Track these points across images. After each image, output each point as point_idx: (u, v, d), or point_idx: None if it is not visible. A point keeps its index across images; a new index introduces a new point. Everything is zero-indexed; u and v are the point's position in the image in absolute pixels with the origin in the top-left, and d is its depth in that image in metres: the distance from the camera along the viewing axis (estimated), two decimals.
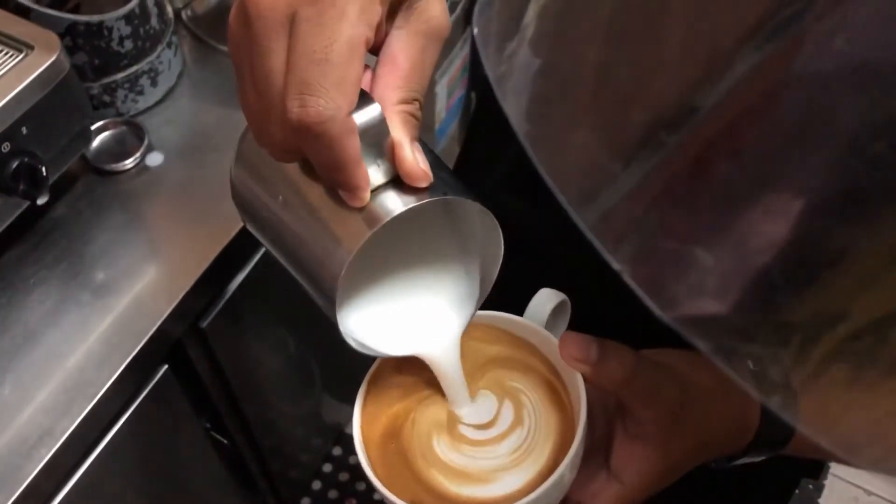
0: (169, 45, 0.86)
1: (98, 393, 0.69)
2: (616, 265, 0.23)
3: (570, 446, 0.45)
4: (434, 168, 0.38)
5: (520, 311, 0.51)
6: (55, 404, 0.68)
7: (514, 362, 0.50)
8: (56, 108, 0.70)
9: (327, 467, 1.52)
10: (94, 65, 0.80)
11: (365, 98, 0.35)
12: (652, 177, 0.23)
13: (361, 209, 0.37)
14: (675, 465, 0.47)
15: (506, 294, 0.50)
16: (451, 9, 1.33)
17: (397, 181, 0.38)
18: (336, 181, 0.36)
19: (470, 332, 0.50)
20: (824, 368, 0.22)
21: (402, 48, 0.36)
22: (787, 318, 0.22)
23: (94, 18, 0.77)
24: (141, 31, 0.81)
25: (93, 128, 0.82)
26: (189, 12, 0.97)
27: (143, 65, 0.83)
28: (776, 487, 0.68)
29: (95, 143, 0.84)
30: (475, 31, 0.29)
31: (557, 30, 0.27)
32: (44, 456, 0.66)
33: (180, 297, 0.75)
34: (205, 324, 0.85)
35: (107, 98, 0.84)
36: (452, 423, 0.48)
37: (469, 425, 0.47)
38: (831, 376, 0.22)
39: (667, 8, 0.24)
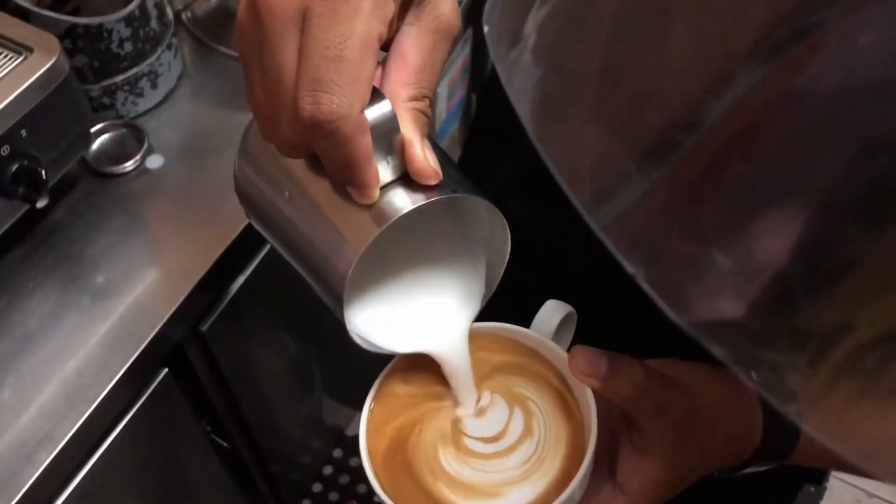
0: (169, 47, 0.86)
1: (98, 396, 0.69)
2: (630, 268, 0.22)
3: (580, 458, 0.44)
4: (443, 165, 0.38)
5: (523, 317, 0.50)
6: (55, 408, 0.68)
7: (522, 370, 0.49)
8: (55, 111, 0.70)
9: (328, 469, 1.52)
10: (93, 67, 0.80)
11: (376, 95, 0.35)
12: (667, 178, 0.23)
13: (370, 207, 0.37)
14: (679, 477, 0.47)
15: (510, 299, 0.50)
16: None
17: (406, 178, 0.37)
18: (346, 178, 0.36)
19: (476, 342, 0.50)
20: (841, 377, 0.22)
21: (413, 45, 0.36)
22: (803, 323, 0.22)
23: (94, 20, 0.77)
24: (141, 33, 0.81)
25: (92, 130, 0.81)
26: (189, 14, 0.96)
27: (142, 67, 0.83)
28: (778, 492, 0.67)
29: (95, 145, 0.83)
30: (486, 29, 0.29)
31: (565, 29, 0.27)
32: (43, 460, 0.66)
33: (180, 300, 0.75)
34: (205, 327, 0.84)
35: (106, 100, 0.83)
36: (458, 435, 0.47)
37: (477, 438, 0.47)
38: (848, 385, 0.22)
39: (671, 18, 0.24)
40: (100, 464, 0.74)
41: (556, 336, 0.49)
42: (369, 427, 0.48)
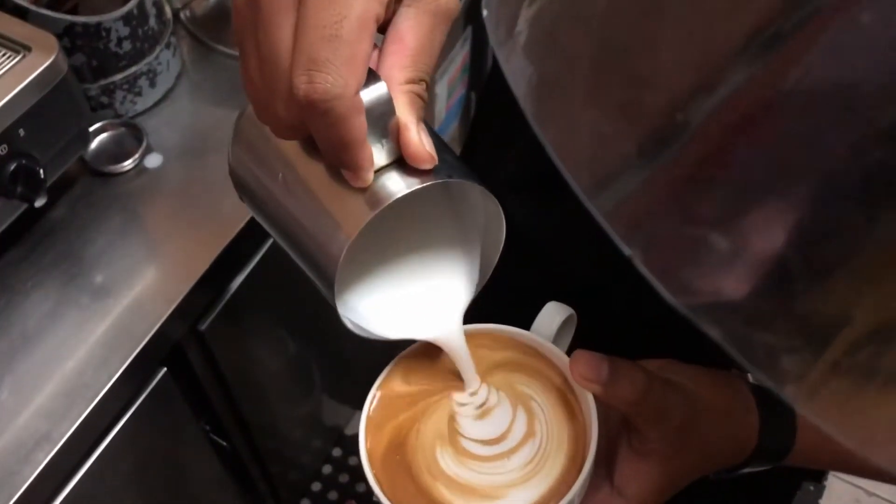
0: (167, 45, 0.86)
1: (97, 396, 0.69)
2: (627, 251, 0.22)
3: (581, 460, 0.44)
4: (438, 150, 0.37)
5: (523, 317, 0.50)
6: (53, 407, 0.68)
7: (524, 367, 0.49)
8: (54, 110, 0.70)
9: (327, 469, 1.52)
10: (92, 66, 0.80)
11: (372, 77, 0.34)
12: (667, 163, 0.23)
13: (364, 190, 0.37)
14: (677, 480, 0.47)
15: (510, 298, 0.50)
16: None
17: (401, 162, 0.37)
18: (340, 161, 0.36)
19: (476, 340, 0.49)
20: (837, 371, 0.22)
21: (411, 27, 0.35)
22: (800, 307, 0.22)
23: (93, 19, 0.77)
24: (139, 31, 0.81)
25: (91, 129, 0.81)
26: (188, 13, 0.96)
27: (141, 66, 0.83)
28: (778, 490, 0.68)
29: (94, 144, 0.83)
30: (485, 13, 0.29)
31: (561, 12, 0.27)
32: (42, 460, 0.66)
33: (179, 299, 0.74)
34: (204, 326, 0.84)
35: (105, 99, 0.83)
36: (455, 435, 0.47)
37: (477, 440, 0.46)
38: (843, 379, 0.22)
39: (663, 12, 0.24)
40: (98, 463, 0.74)
41: (557, 338, 0.49)
42: (369, 427, 0.47)
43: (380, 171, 0.37)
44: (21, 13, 0.73)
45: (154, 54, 0.84)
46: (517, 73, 0.25)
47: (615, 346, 0.46)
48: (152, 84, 0.86)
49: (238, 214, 0.80)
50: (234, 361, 0.95)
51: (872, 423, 0.23)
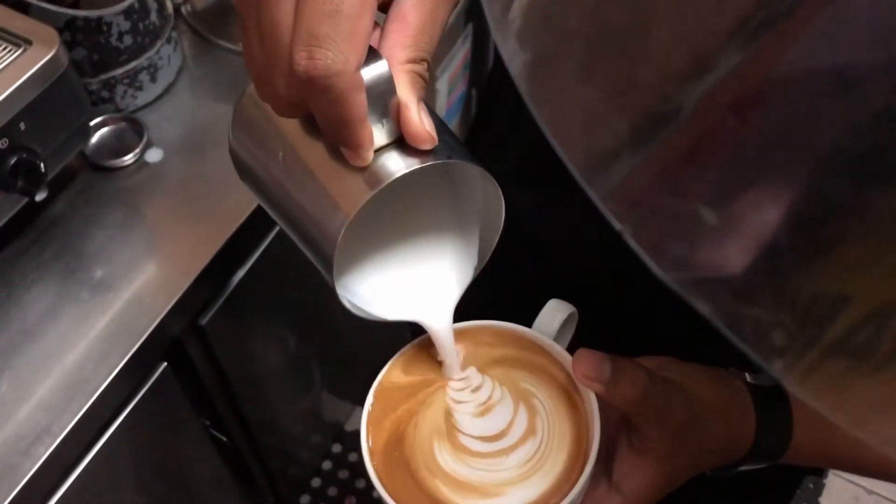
0: (168, 40, 0.86)
1: (97, 390, 0.69)
2: (617, 225, 0.22)
3: (582, 458, 0.44)
4: (438, 131, 0.37)
5: (524, 311, 0.50)
6: (54, 402, 0.68)
7: (526, 363, 0.49)
8: (54, 104, 0.70)
9: (327, 465, 1.52)
10: (92, 60, 0.80)
11: (372, 54, 0.34)
12: (662, 141, 0.23)
13: (363, 170, 0.36)
14: (674, 478, 0.47)
15: (511, 293, 0.50)
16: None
17: (401, 142, 0.37)
18: (339, 139, 0.35)
19: (477, 336, 0.49)
20: (831, 353, 0.22)
21: (413, 5, 0.35)
22: (792, 283, 0.21)
23: (93, 13, 0.76)
24: (140, 26, 0.81)
25: (91, 124, 0.81)
26: (189, 8, 0.96)
27: (142, 60, 0.83)
28: (779, 485, 0.68)
29: (94, 139, 0.83)
30: None
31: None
32: (42, 453, 0.66)
33: (179, 294, 0.74)
34: (204, 321, 0.84)
35: (106, 94, 0.83)
36: (453, 431, 0.47)
37: (477, 437, 0.46)
38: (838, 361, 0.22)
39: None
40: (98, 458, 0.74)
41: (558, 335, 0.49)
42: (369, 421, 0.47)
43: (379, 150, 0.37)
44: (22, 7, 0.73)
45: (155, 49, 0.84)
46: (513, 51, 0.25)
47: (614, 341, 0.46)
48: (153, 79, 0.86)
49: (239, 209, 0.80)
50: (235, 357, 0.95)
51: (864, 401, 0.23)
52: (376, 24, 0.36)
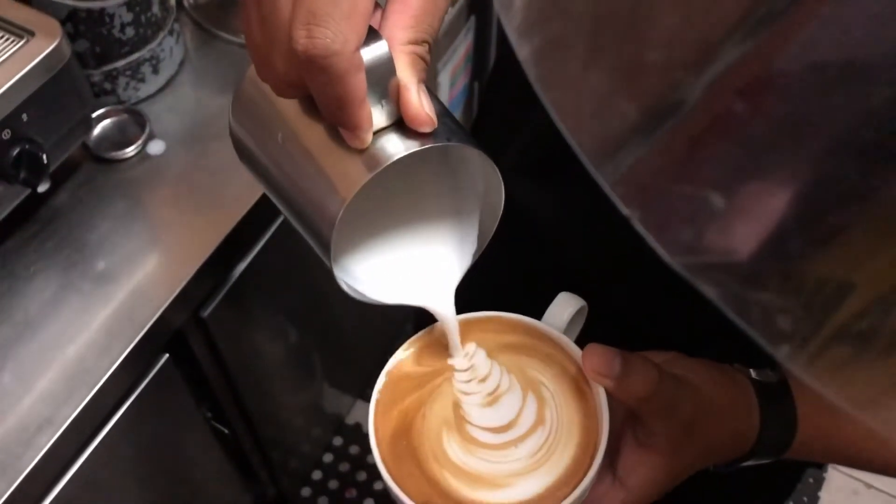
0: (171, 32, 0.86)
1: (98, 381, 0.69)
2: (625, 210, 0.22)
3: (591, 449, 0.44)
4: (438, 114, 0.37)
5: (529, 302, 0.50)
6: (55, 393, 0.68)
7: (534, 351, 0.49)
8: (57, 96, 0.70)
9: (328, 457, 1.53)
10: (95, 52, 0.80)
11: (373, 34, 0.34)
12: (671, 126, 0.23)
13: (362, 151, 0.36)
14: (679, 473, 0.47)
15: (517, 284, 0.50)
16: None
17: (400, 124, 0.37)
18: (338, 120, 0.35)
19: (486, 325, 0.49)
20: (835, 341, 0.22)
21: None
22: (799, 268, 0.22)
23: (96, 5, 0.76)
24: (142, 18, 0.81)
25: (94, 115, 0.81)
26: (191, 0, 0.96)
27: (144, 52, 0.83)
28: (780, 480, 0.68)
29: (96, 130, 0.83)
30: None
31: None
32: (44, 444, 0.66)
33: (181, 286, 0.75)
34: (206, 313, 0.84)
35: (108, 85, 0.83)
36: (462, 421, 0.46)
37: (485, 428, 0.46)
38: (842, 348, 0.22)
39: None
40: (100, 449, 0.75)
41: (567, 329, 0.49)
42: (377, 410, 0.47)
43: (379, 132, 0.36)
44: None
45: (157, 41, 0.84)
46: (520, 35, 0.25)
47: (618, 334, 0.46)
48: (155, 70, 0.86)
49: (240, 202, 0.80)
50: (236, 349, 0.95)
51: (870, 386, 0.23)
52: (377, 5, 0.35)
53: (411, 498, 0.43)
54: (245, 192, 0.80)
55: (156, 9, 0.82)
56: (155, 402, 0.81)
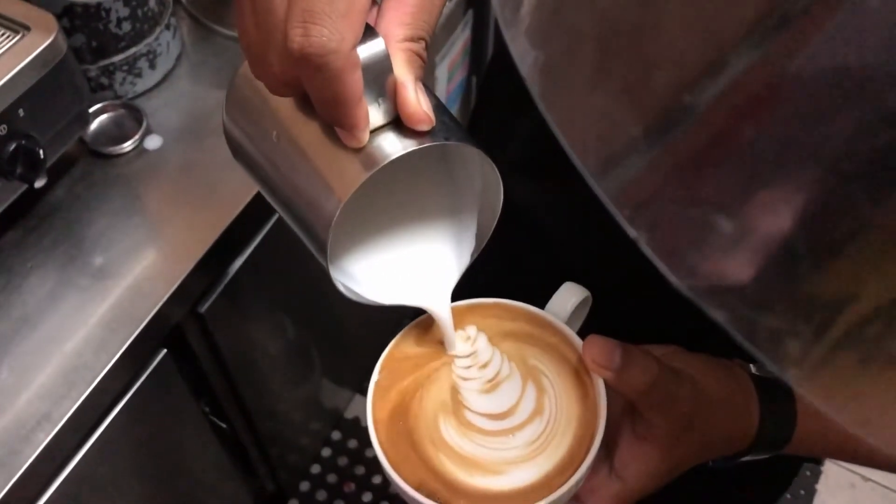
0: (167, 27, 0.86)
1: (96, 377, 0.69)
2: (632, 233, 0.22)
3: (588, 440, 0.44)
4: (436, 112, 0.36)
5: (522, 295, 0.50)
6: (53, 389, 0.68)
7: (536, 340, 0.48)
8: (53, 91, 0.69)
9: (326, 452, 1.53)
10: (91, 47, 0.79)
11: (369, 32, 0.33)
12: (674, 143, 0.22)
13: (358, 151, 0.36)
14: (676, 466, 0.47)
15: (510, 277, 0.50)
16: None
17: (397, 123, 0.36)
18: (334, 119, 0.35)
19: (487, 311, 0.49)
20: (842, 346, 0.22)
21: None
22: (806, 290, 0.21)
23: (92, 0, 0.76)
24: (139, 12, 0.80)
25: (91, 110, 0.81)
26: None
27: (141, 47, 0.83)
28: (777, 473, 0.68)
29: (93, 125, 0.83)
30: None
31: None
32: (42, 440, 0.66)
33: (179, 281, 0.74)
34: (204, 308, 0.84)
35: (105, 80, 0.83)
36: (459, 407, 0.46)
37: (483, 414, 0.46)
38: (848, 354, 0.22)
39: None
40: (98, 444, 0.75)
41: (570, 319, 0.49)
42: (376, 390, 0.47)
43: (375, 131, 0.36)
44: None
45: (154, 35, 0.84)
46: (523, 52, 0.25)
47: (617, 330, 0.46)
48: (152, 65, 0.86)
49: (238, 196, 0.80)
50: (234, 344, 0.95)
51: (870, 405, 0.23)
52: (374, 1, 0.35)
53: (406, 480, 0.43)
54: (243, 186, 0.80)
55: (152, 3, 0.82)
56: (153, 397, 0.81)
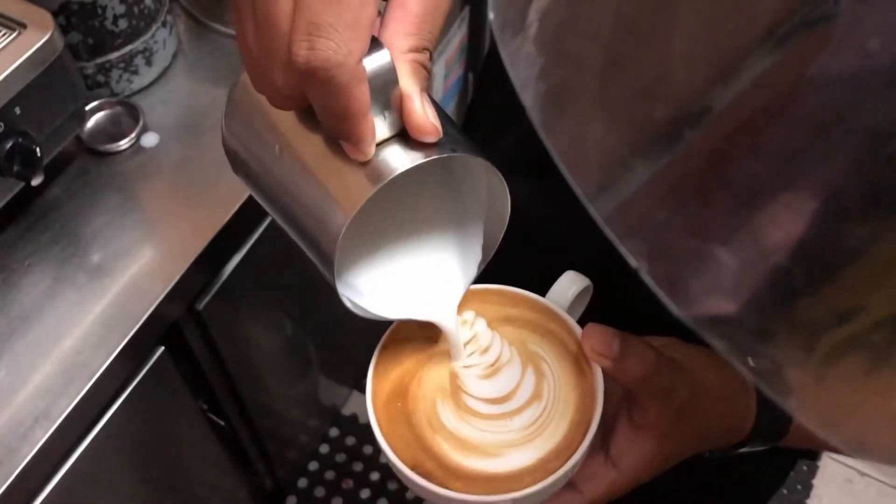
0: (164, 24, 0.85)
1: (94, 375, 0.69)
2: (633, 262, 0.22)
3: (584, 426, 0.44)
4: (441, 123, 0.35)
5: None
6: (51, 386, 0.68)
7: (536, 326, 0.49)
8: (50, 88, 0.69)
9: (324, 448, 1.53)
10: (87, 44, 0.79)
11: (374, 44, 0.33)
12: (671, 169, 0.22)
13: (364, 164, 0.35)
14: (671, 457, 0.48)
15: (507, 276, 0.50)
16: None
17: (403, 135, 0.35)
18: (340, 132, 0.34)
19: (487, 297, 0.49)
20: (836, 364, 0.22)
21: None
22: (804, 317, 0.22)
23: None
24: (135, 9, 0.80)
25: (87, 108, 0.81)
26: None
27: (137, 44, 0.83)
28: (772, 468, 0.68)
29: (90, 123, 0.83)
30: (491, 16, 0.28)
31: (569, 16, 0.26)
32: (40, 438, 0.66)
33: (176, 278, 0.75)
34: (201, 305, 0.84)
35: (101, 78, 0.83)
36: (458, 391, 0.46)
37: (481, 399, 0.46)
38: (843, 373, 0.22)
39: (678, 4, 0.23)
40: (96, 441, 0.75)
41: (570, 308, 0.49)
42: (376, 369, 0.47)
43: (381, 144, 0.35)
44: None
45: (150, 33, 0.84)
46: (524, 80, 0.25)
47: (615, 321, 0.46)
48: (149, 63, 0.86)
49: (235, 194, 0.80)
50: (232, 341, 0.95)
51: (865, 427, 0.23)
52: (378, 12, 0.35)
53: (402, 460, 0.43)
54: (240, 183, 0.80)
55: (148, 1, 0.82)
56: (151, 394, 0.81)
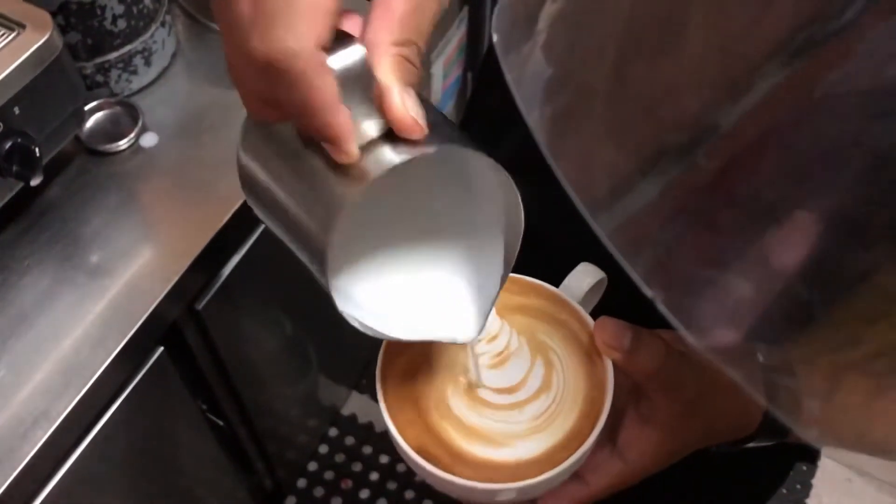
0: (163, 24, 0.85)
1: (94, 375, 0.69)
2: (649, 293, 0.22)
3: (593, 418, 0.44)
4: (437, 123, 0.34)
5: None
6: (51, 386, 0.68)
7: (547, 316, 0.48)
8: (49, 88, 0.69)
9: (323, 448, 1.53)
10: (87, 44, 0.79)
11: (348, 39, 0.32)
12: (678, 188, 0.22)
13: (351, 168, 0.33)
14: (678, 450, 0.48)
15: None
16: None
17: (391, 135, 0.33)
18: (314, 130, 0.32)
19: None
20: (846, 385, 0.22)
21: None
22: (817, 350, 0.21)
23: None
24: (134, 9, 0.80)
25: (86, 108, 0.81)
26: None
27: (136, 44, 0.83)
28: (771, 469, 0.68)
29: (89, 123, 0.83)
30: (495, 38, 0.27)
31: (573, 38, 0.26)
32: (40, 438, 0.66)
33: (176, 278, 0.74)
34: (200, 306, 0.84)
35: (100, 78, 0.83)
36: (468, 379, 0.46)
37: (491, 388, 0.46)
38: (852, 395, 0.22)
39: (687, 20, 0.23)
40: (96, 442, 0.75)
41: (584, 299, 0.49)
42: (386, 353, 0.47)
43: (370, 145, 0.33)
44: None
45: (149, 33, 0.84)
46: (529, 101, 0.24)
47: (628, 311, 0.46)
48: (148, 63, 0.86)
49: (234, 194, 0.80)
50: (231, 341, 0.95)
51: (873, 446, 0.23)
52: (358, 13, 0.34)
53: (408, 442, 0.43)
54: (238, 184, 0.80)
55: (147, 1, 0.82)
56: (150, 395, 0.81)
